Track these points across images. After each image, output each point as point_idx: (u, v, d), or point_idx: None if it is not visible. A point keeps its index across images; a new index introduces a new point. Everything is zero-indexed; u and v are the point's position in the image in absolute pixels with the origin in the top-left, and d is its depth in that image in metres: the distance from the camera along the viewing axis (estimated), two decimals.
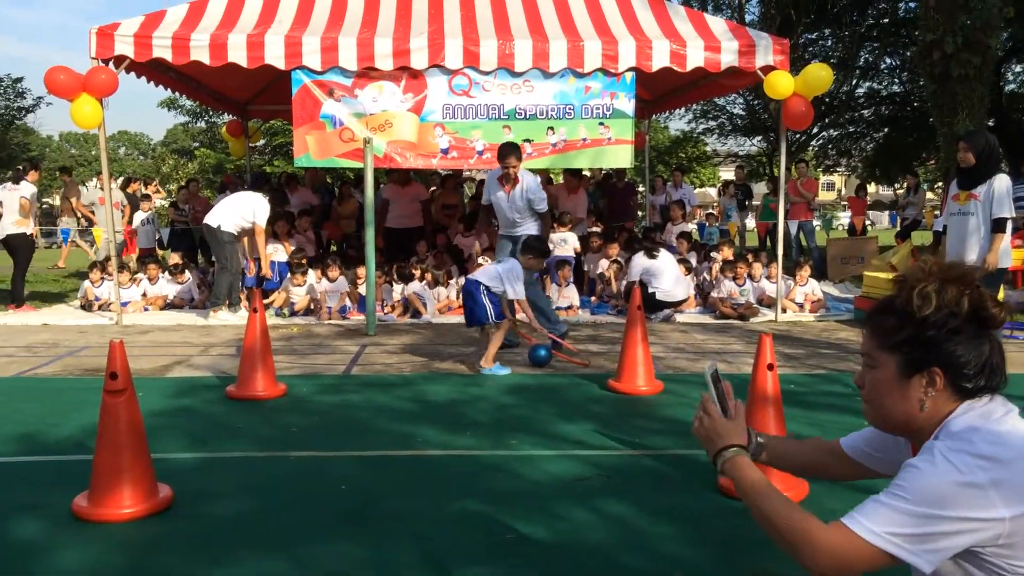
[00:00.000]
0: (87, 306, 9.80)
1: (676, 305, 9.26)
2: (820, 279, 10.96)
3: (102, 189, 11.94)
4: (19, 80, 26.29)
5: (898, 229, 15.18)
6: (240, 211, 9.00)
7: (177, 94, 12.67)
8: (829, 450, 2.01)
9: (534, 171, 8.04)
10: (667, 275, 9.16)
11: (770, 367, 3.59)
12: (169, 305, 10.01)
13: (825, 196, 62.86)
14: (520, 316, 6.87)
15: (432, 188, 12.69)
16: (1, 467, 4.08)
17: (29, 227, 10.23)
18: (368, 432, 4.68)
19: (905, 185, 14.77)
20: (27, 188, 10.32)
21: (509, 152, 7.20)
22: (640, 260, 9.23)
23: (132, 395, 3.48)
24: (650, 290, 8.97)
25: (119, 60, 8.54)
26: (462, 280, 9.97)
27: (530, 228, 7.42)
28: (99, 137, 8.92)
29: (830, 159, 28.55)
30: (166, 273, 10.34)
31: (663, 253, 9.36)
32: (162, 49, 8.46)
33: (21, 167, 11.38)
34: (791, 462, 2.08)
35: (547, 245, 7.34)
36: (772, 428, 3.56)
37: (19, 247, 10.06)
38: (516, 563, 2.99)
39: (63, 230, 13.81)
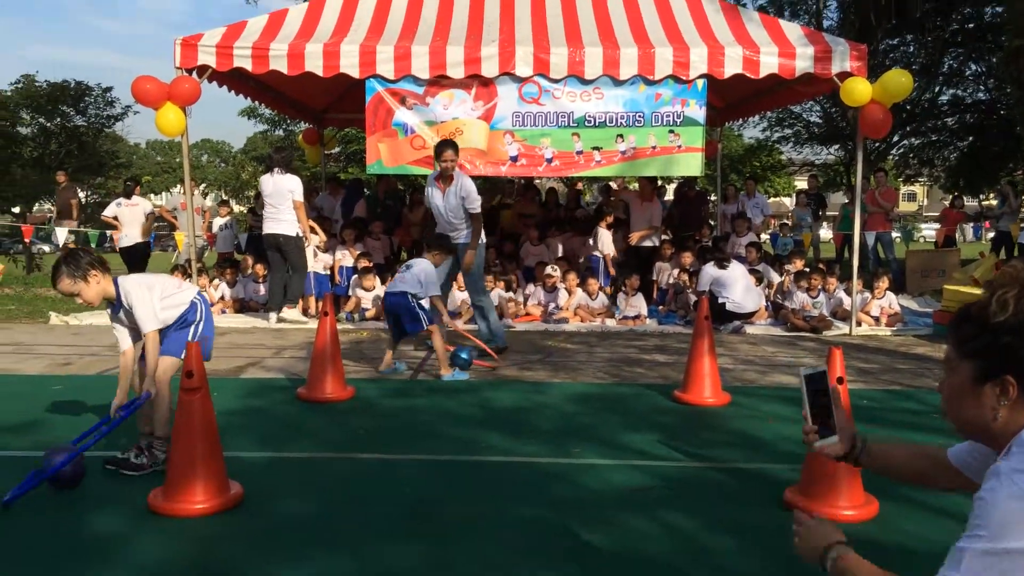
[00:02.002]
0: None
1: (746, 316, 9.12)
2: (899, 292, 10.65)
3: (184, 195, 12.39)
4: (109, 89, 27.35)
5: (986, 241, 14.62)
6: (287, 204, 9.04)
7: (256, 103, 13.03)
8: (934, 458, 1.95)
9: (603, 178, 8.03)
10: (737, 286, 9.03)
11: (840, 380, 3.51)
12: (244, 308, 10.28)
13: (906, 207, 61.07)
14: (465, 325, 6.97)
15: (498, 196, 12.71)
16: (85, 461, 4.24)
17: (148, 236, 11.81)
18: (432, 436, 4.73)
19: (999, 194, 14.19)
20: (146, 204, 11.83)
21: (446, 146, 7.09)
22: (709, 270, 9.13)
23: (206, 394, 3.60)
24: (720, 300, 8.85)
25: (202, 69, 8.84)
26: (529, 288, 10.02)
27: (466, 235, 7.23)
28: (182, 144, 9.23)
29: (911, 169, 27.74)
30: (241, 276, 10.63)
31: (733, 263, 9.23)
32: (242, 59, 8.73)
33: (130, 182, 12.65)
34: (894, 468, 2.03)
35: (450, 241, 7.15)
36: None
37: (141, 257, 11.48)
38: (575, 571, 2.98)
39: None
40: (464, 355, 6.56)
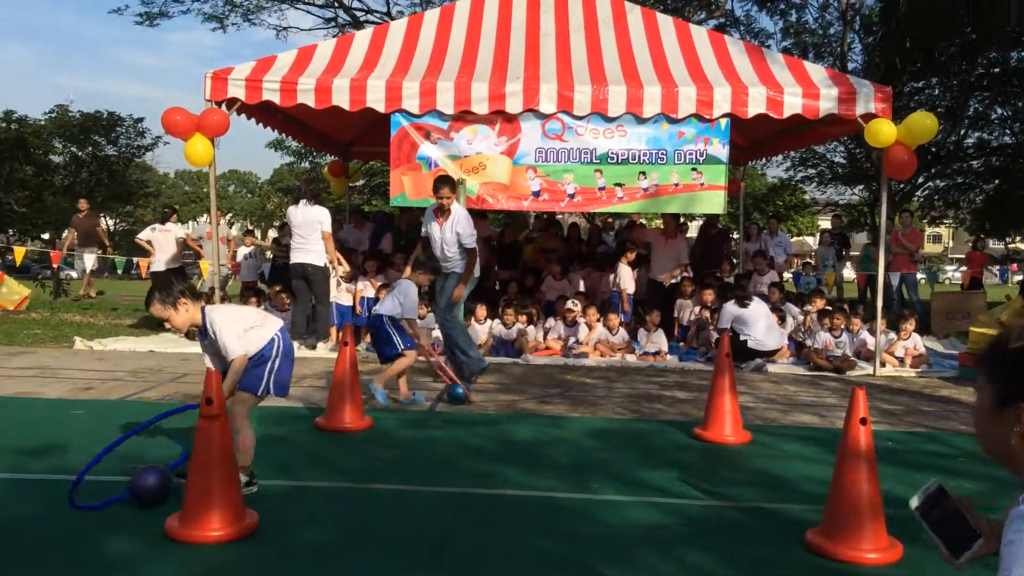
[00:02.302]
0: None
1: (768, 355, 9.05)
2: (923, 334, 10.53)
3: (209, 224, 12.57)
4: (140, 120, 27.94)
5: (1012, 284, 14.44)
6: (316, 235, 9.21)
7: (284, 135, 13.22)
8: None
9: (622, 215, 8.06)
10: (759, 324, 8.98)
11: (863, 421, 3.46)
12: None
13: (931, 248, 60.60)
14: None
15: (525, 231, 12.75)
16: (102, 485, 4.26)
17: (178, 263, 12.15)
18: (449, 468, 4.71)
19: None
20: (179, 230, 12.23)
21: (443, 183, 7.39)
22: (731, 308, 9.09)
23: (225, 421, 3.61)
24: (742, 338, 8.80)
25: (231, 102, 8.99)
26: (550, 322, 10.02)
27: (460, 266, 7.52)
28: (209, 175, 9.36)
29: (936, 210, 27.55)
30: (264, 305, 10.70)
31: (755, 301, 9.18)
32: (271, 92, 8.87)
33: (167, 208, 13.27)
34: None
35: (437, 264, 7.30)
36: (864, 486, 3.42)
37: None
38: None
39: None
40: (460, 391, 6.60)
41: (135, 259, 13.76)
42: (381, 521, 3.83)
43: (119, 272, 15.36)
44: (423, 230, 7.82)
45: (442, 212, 7.42)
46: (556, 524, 3.81)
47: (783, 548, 3.56)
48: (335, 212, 13.54)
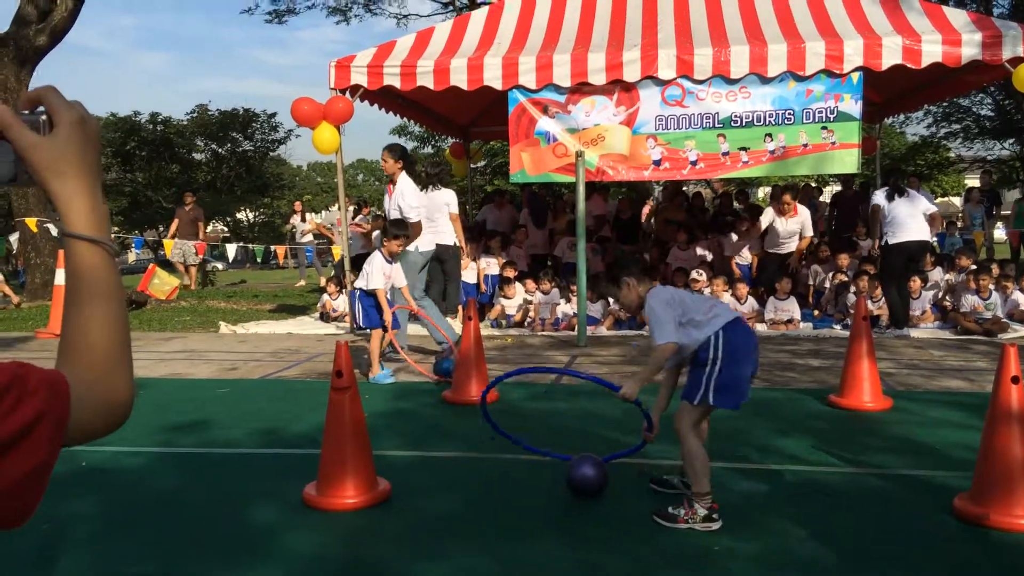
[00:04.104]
0: (324, 317, 10.63)
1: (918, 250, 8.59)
2: None
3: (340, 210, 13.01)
4: (273, 115, 29.12)
5: None
6: (444, 217, 9.32)
7: (406, 120, 13.48)
8: None
9: (750, 179, 7.79)
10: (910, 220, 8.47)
11: (1015, 380, 3.22)
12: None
13: None
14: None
15: (652, 204, 12.56)
16: (245, 457, 4.51)
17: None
18: (577, 438, 4.70)
19: None
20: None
21: (385, 151, 7.36)
22: (879, 200, 8.65)
23: (355, 393, 3.73)
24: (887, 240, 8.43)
25: (354, 89, 9.23)
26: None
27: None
28: (337, 162, 9.67)
29: None
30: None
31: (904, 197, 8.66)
32: (392, 77, 9.05)
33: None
34: None
35: (407, 227, 7.04)
36: (1018, 449, 3.19)
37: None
38: (727, 575, 2.88)
39: (307, 249, 15.13)
40: (447, 364, 6.36)
41: (273, 247, 14.43)
42: (509, 489, 3.87)
43: (259, 261, 16.12)
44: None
45: (392, 183, 7.49)
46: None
47: (929, 516, 3.37)
48: (459, 193, 13.78)
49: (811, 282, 10.33)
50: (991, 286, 8.57)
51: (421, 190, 9.76)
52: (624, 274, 3.78)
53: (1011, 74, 8.04)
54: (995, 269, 9.25)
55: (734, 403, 3.43)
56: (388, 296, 6.68)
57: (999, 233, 17.04)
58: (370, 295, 6.62)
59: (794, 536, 3.20)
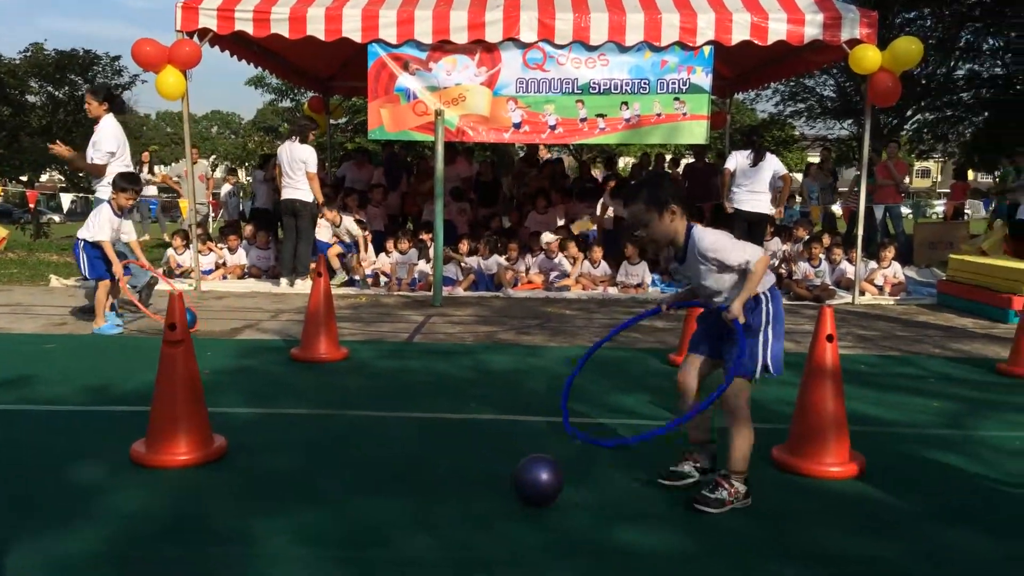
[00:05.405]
0: (169, 273, 10.14)
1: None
2: (905, 264, 10.53)
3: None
4: (117, 58, 27.22)
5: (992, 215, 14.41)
6: (302, 173, 9.07)
7: (263, 71, 12.93)
8: None
9: (607, 146, 7.96)
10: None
11: (829, 338, 3.45)
12: (247, 274, 10.27)
13: (920, 183, 60.47)
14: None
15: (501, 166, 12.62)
16: (71, 415, 4.25)
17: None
18: (424, 396, 4.71)
19: (1015, 167, 13.98)
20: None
21: (87, 93, 7.26)
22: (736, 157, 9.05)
23: (189, 347, 3.57)
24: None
25: (203, 33, 8.76)
26: (529, 258, 9.97)
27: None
28: (183, 110, 9.18)
29: (925, 144, 27.37)
30: (243, 244, 10.60)
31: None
32: (244, 22, 8.65)
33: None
34: None
35: (138, 181, 6.94)
36: (830, 404, 3.43)
37: None
38: (560, 524, 2.96)
39: (151, 202, 14.37)
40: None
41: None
42: (351, 446, 3.82)
43: None
44: None
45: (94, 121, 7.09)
46: (530, 447, 3.80)
47: (751, 466, 3.57)
48: (319, 150, 13.46)
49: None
50: (821, 255, 9.13)
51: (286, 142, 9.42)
52: (674, 200, 3.12)
53: (848, 55, 8.52)
54: (826, 239, 9.85)
55: (780, 369, 3.21)
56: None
57: (836, 209, 18.15)
58: (96, 247, 6.40)
59: (631, 489, 3.32)
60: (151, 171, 16.32)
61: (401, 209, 11.92)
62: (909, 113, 23.53)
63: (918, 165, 52.45)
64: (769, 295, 3.15)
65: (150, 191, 15.36)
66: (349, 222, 9.65)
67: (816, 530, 2.94)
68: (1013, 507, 3.18)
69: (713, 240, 3.09)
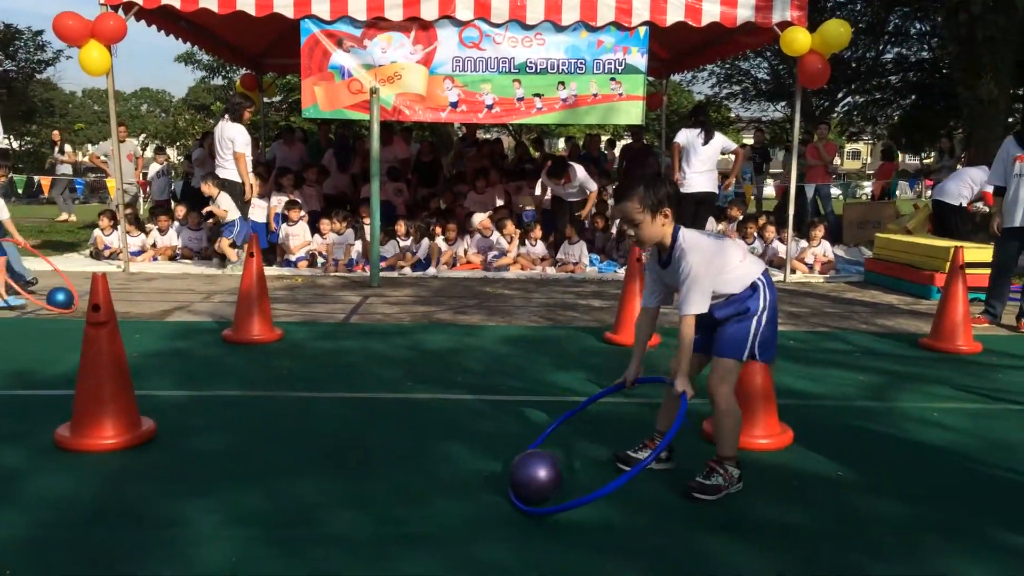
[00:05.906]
0: (96, 254, 9.86)
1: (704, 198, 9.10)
2: (835, 243, 10.81)
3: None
4: (39, 33, 26.32)
5: (925, 199, 14.87)
6: (230, 153, 8.87)
7: (193, 47, 12.59)
8: None
9: (544, 126, 7.97)
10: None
11: None
12: (178, 256, 10.05)
13: (851, 165, 61.97)
14: None
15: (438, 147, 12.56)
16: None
17: None
18: (359, 376, 4.67)
19: (939, 149, 14.41)
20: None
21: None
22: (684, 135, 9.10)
23: (115, 328, 3.48)
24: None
25: (128, 7, 8.48)
26: (468, 239, 9.95)
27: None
28: (108, 86, 8.89)
29: (855, 126, 28.06)
30: (175, 225, 10.36)
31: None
32: None
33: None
34: None
35: (8, 158, 7.19)
36: (759, 378, 3.51)
37: None
38: (493, 501, 2.97)
39: (77, 181, 13.92)
40: (60, 296, 6.51)
41: (37, 178, 13.20)
42: (284, 427, 3.78)
43: (20, 193, 14.67)
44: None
45: None
46: (461, 425, 3.83)
47: (678, 437, 3.63)
48: (251, 129, 13.22)
49: (613, 228, 10.72)
50: (755, 233, 9.31)
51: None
52: (667, 204, 3.05)
53: (779, 37, 8.66)
54: (761, 219, 10.05)
55: (772, 356, 3.20)
56: None
57: (768, 190, 18.49)
58: None
59: (567, 463, 3.35)
60: (61, 150, 15.86)
61: (354, 190, 11.73)
62: (840, 96, 24.09)
63: (849, 147, 53.71)
64: (764, 281, 3.13)
65: (63, 170, 14.93)
66: (223, 198, 9.00)
67: (740, 499, 3.01)
68: (930, 476, 3.31)
69: (691, 265, 3.02)
